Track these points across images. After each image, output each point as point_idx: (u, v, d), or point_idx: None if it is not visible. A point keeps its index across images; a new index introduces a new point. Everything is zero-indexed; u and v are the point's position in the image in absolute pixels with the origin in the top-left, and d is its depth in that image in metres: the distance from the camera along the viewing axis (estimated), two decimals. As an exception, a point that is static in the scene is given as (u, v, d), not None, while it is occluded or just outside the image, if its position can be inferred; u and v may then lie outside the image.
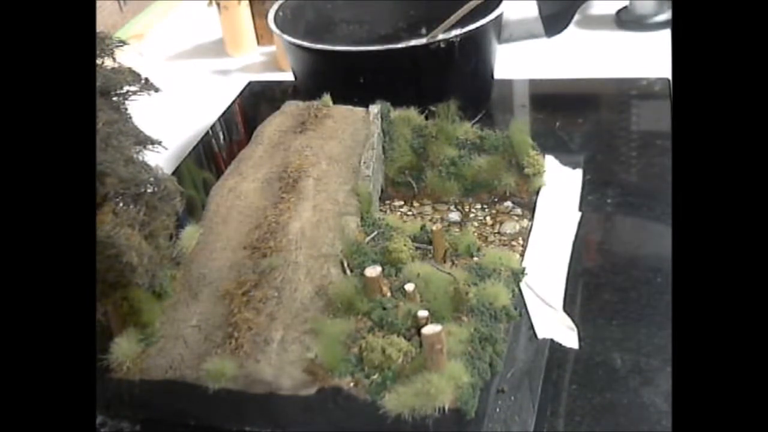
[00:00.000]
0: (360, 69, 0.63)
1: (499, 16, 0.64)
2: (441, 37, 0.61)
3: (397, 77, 0.63)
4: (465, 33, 0.60)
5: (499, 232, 0.50)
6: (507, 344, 0.40)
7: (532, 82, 0.77)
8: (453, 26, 0.61)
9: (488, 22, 0.61)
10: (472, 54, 0.64)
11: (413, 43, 0.63)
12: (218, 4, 0.89)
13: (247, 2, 0.90)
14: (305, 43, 0.64)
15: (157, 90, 0.41)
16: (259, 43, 0.94)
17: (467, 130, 0.55)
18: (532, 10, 0.70)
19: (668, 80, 0.71)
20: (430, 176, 0.53)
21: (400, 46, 0.63)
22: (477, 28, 0.61)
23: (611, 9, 0.88)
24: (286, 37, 0.65)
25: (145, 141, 0.41)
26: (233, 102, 0.79)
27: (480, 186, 0.53)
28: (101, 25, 0.90)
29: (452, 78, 0.63)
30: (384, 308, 0.39)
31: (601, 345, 0.43)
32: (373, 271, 0.39)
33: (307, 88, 0.69)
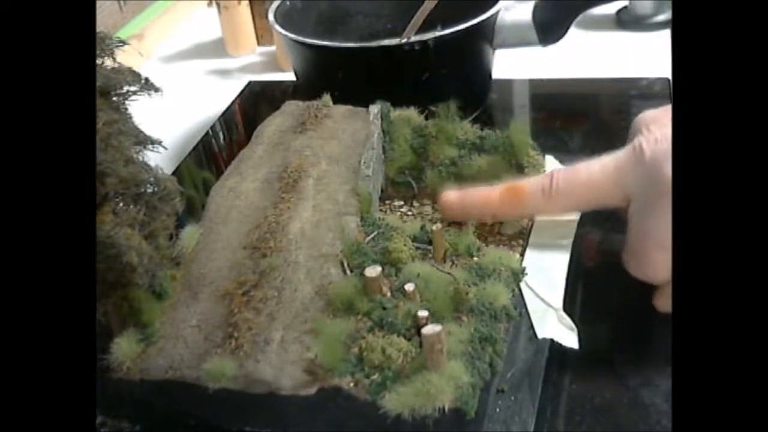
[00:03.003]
0: (338, 66, 0.64)
1: (487, 21, 0.63)
2: (415, 38, 0.61)
3: (375, 76, 0.63)
4: (441, 36, 0.60)
5: (499, 232, 0.50)
6: (507, 344, 0.40)
7: (532, 82, 0.77)
8: (447, 27, 0.61)
9: (469, 27, 0.61)
10: (457, 56, 0.64)
11: (386, 42, 0.63)
12: (218, 4, 0.90)
13: (247, 2, 0.91)
14: (303, 39, 0.64)
15: (157, 90, 0.41)
16: (259, 43, 0.94)
17: (467, 130, 0.55)
18: (527, 14, 0.70)
19: (668, 80, 0.71)
20: (430, 176, 0.53)
21: (372, 45, 0.63)
22: (456, 32, 0.61)
23: (611, 9, 0.88)
24: (285, 32, 0.65)
25: (145, 141, 0.41)
26: (233, 102, 0.80)
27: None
28: (101, 25, 0.90)
29: (435, 80, 0.63)
30: (384, 308, 0.39)
31: (601, 345, 0.43)
32: (373, 271, 0.39)
33: (306, 86, 0.69)
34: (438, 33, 0.61)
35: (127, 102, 0.40)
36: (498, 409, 0.38)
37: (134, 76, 0.41)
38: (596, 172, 0.43)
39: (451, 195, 0.48)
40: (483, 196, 0.47)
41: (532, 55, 0.71)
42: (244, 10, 0.90)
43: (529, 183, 0.46)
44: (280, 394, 0.37)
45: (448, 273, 0.41)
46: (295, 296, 0.40)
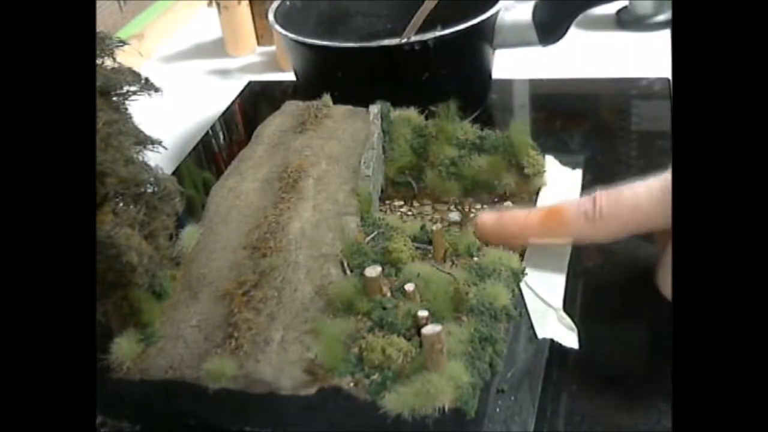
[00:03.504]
0: (338, 66, 0.64)
1: (487, 21, 0.64)
2: (415, 38, 0.61)
3: (375, 76, 0.63)
4: (441, 36, 0.60)
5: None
6: (507, 344, 0.40)
7: (532, 82, 0.77)
8: (447, 27, 0.61)
9: (469, 27, 0.61)
10: (457, 56, 0.64)
11: (386, 42, 0.63)
12: (218, 4, 0.90)
13: (247, 2, 0.91)
14: (303, 39, 0.64)
15: (157, 90, 0.41)
16: (259, 43, 0.94)
17: (467, 130, 0.55)
18: (527, 14, 0.70)
19: (668, 80, 0.71)
20: (430, 176, 0.53)
21: (372, 45, 0.63)
22: (456, 32, 0.61)
23: (611, 9, 0.88)
24: (285, 32, 0.65)
25: (145, 141, 0.40)
26: (233, 102, 0.80)
27: (480, 186, 0.53)
28: (101, 25, 0.90)
29: (435, 80, 0.63)
30: (384, 308, 0.39)
31: (601, 345, 0.43)
32: (373, 271, 0.39)
33: (306, 86, 0.69)
34: (438, 33, 0.61)
35: (127, 102, 0.40)
36: (498, 409, 0.38)
37: (134, 76, 0.41)
38: (642, 195, 0.41)
39: (488, 217, 0.46)
40: (522, 220, 0.46)
41: (532, 55, 0.71)
42: (244, 10, 0.90)
43: (570, 207, 0.44)
44: (280, 394, 0.37)
45: (448, 273, 0.41)
46: (295, 296, 0.40)
